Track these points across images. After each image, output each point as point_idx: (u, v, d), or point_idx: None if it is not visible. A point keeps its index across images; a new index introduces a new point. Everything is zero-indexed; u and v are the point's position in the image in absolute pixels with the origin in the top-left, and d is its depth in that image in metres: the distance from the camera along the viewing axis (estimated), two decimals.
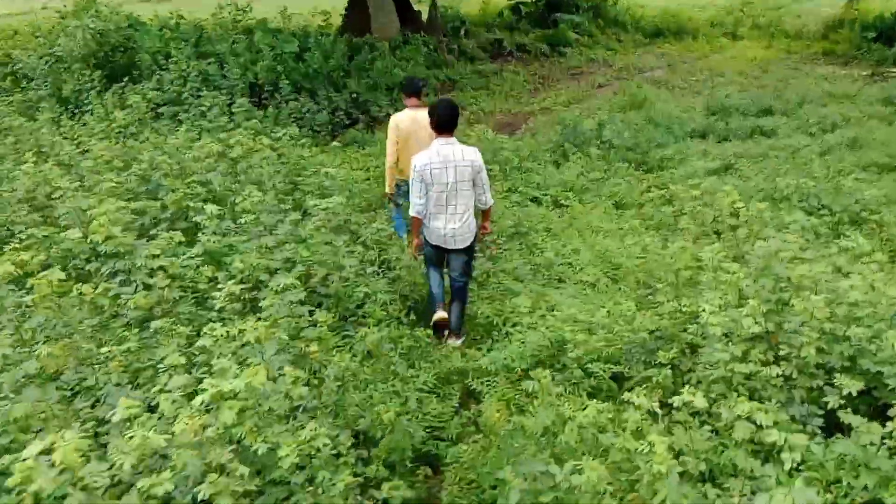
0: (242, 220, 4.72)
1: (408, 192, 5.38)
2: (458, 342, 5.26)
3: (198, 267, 4.30)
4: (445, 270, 5.39)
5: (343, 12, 18.74)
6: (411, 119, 6.32)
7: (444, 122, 4.90)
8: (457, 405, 4.51)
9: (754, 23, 23.59)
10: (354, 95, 12.39)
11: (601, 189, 8.61)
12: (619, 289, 5.90)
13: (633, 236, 7.19)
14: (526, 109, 14.32)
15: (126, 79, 10.74)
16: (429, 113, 5.04)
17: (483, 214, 5.43)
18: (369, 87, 13.28)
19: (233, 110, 9.78)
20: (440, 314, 5.23)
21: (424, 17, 19.66)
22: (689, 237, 5.96)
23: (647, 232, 7.30)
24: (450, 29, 19.13)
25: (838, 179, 8.25)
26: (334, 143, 9.72)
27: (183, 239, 4.50)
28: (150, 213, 5.20)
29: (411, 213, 5.06)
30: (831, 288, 4.34)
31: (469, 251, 5.23)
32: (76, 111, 10.39)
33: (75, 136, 7.82)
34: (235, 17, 13.36)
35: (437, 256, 5.25)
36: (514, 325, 5.22)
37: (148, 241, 4.73)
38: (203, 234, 4.56)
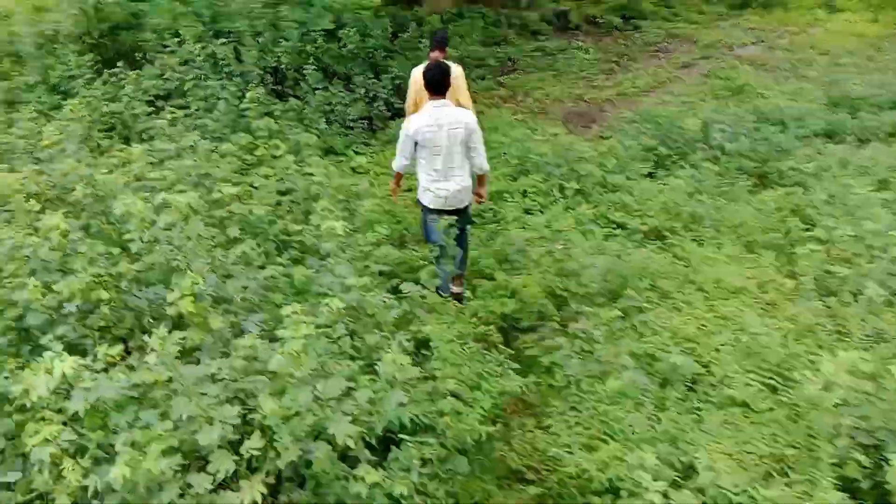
0: (150, 362, 2.56)
1: None
2: (461, 288, 5.21)
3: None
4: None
5: None
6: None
7: (435, 85, 4.84)
8: None
9: None
10: (397, 81, 10.15)
11: (720, 217, 6.24)
12: (797, 423, 3.60)
13: (785, 307, 4.85)
14: (601, 96, 11.85)
15: (121, 63, 8.71)
16: (422, 75, 4.98)
17: (478, 180, 5.26)
18: None
19: (242, 105, 7.67)
20: (456, 289, 5.15)
21: None
22: None
23: (803, 297, 4.93)
24: (510, 0, 16.65)
25: None
26: (357, 158, 7.55)
27: (63, 375, 2.40)
28: (38, 307, 3.13)
29: (394, 166, 5.17)
30: None
31: (468, 209, 5.25)
32: (64, 102, 8.42)
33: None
34: None
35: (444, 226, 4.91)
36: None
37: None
38: (85, 380, 2.45)
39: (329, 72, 9.70)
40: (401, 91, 10.34)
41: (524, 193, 6.70)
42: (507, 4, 16.23)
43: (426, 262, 5.21)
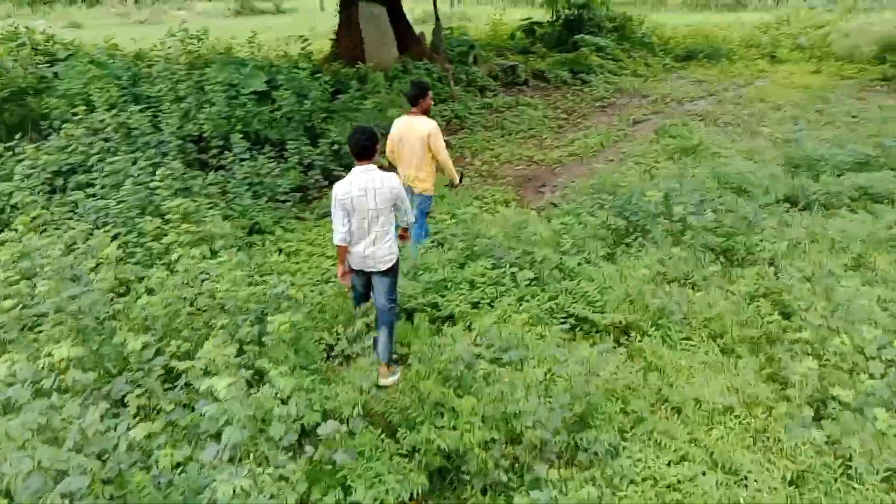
0: None
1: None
2: (391, 380, 4.88)
3: None
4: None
5: (332, 37, 15.77)
6: (406, 123, 6.19)
7: (358, 151, 4.76)
8: None
9: (795, 43, 20.50)
10: (335, 146, 9.31)
11: (689, 310, 5.49)
12: None
13: (779, 435, 4.05)
14: (551, 157, 11.19)
15: (19, 136, 7.69)
16: (348, 141, 4.89)
17: (403, 231, 5.47)
18: None
19: (152, 183, 6.72)
20: (384, 381, 4.87)
21: (428, 41, 16.67)
22: None
23: (797, 422, 4.14)
24: (456, 55, 16.08)
25: None
26: (286, 237, 6.52)
27: None
28: None
29: (335, 241, 4.87)
30: None
31: (390, 273, 4.99)
32: None
33: None
34: (189, 48, 10.26)
35: (363, 283, 5.11)
36: None
37: None
38: None
39: (260, 138, 8.83)
40: (339, 156, 9.54)
41: (472, 284, 5.86)
42: (453, 60, 15.65)
43: (354, 386, 4.34)
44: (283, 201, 8.01)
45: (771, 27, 22.22)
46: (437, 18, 14.91)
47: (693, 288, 5.94)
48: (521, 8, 30.59)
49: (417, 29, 16.93)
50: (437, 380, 4.33)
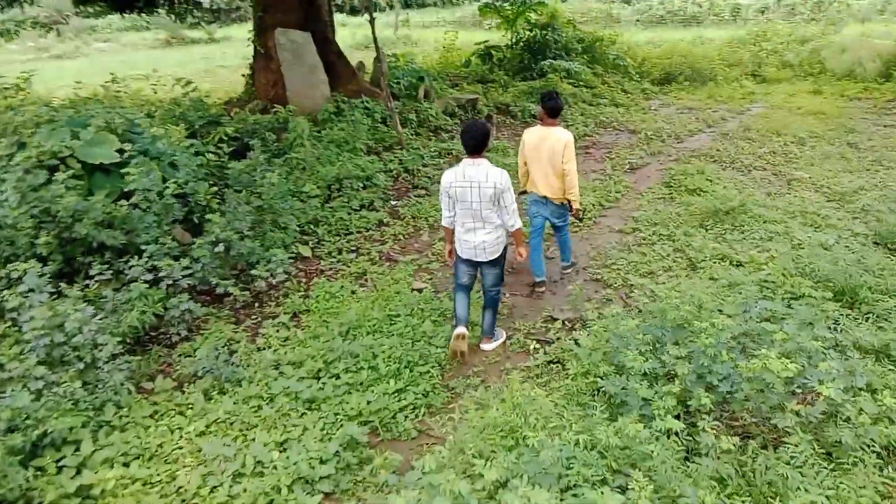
0: None
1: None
2: (491, 346, 5.21)
3: None
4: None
5: (247, 72, 12.22)
6: (537, 135, 5.88)
7: (470, 146, 4.66)
8: None
9: (783, 61, 17.68)
10: (220, 246, 5.79)
11: None
12: None
13: None
14: None
15: None
16: (460, 134, 4.79)
17: (514, 239, 5.04)
18: (263, 214, 6.72)
19: None
20: (460, 330, 4.98)
21: (368, 73, 13.28)
22: None
23: None
24: (403, 89, 12.67)
25: None
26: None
27: None
28: None
29: (442, 223, 5.02)
30: None
31: (497, 263, 5.00)
32: None
33: None
34: (9, 102, 6.60)
35: (468, 274, 5.07)
36: None
37: None
38: None
39: (91, 247, 5.26)
40: (228, 258, 6.04)
41: None
42: (399, 95, 12.25)
43: None
44: (108, 371, 4.43)
45: (747, 43, 19.40)
46: (378, 46, 11.47)
47: None
48: (473, 31, 27.43)
49: (354, 59, 13.53)
50: None
